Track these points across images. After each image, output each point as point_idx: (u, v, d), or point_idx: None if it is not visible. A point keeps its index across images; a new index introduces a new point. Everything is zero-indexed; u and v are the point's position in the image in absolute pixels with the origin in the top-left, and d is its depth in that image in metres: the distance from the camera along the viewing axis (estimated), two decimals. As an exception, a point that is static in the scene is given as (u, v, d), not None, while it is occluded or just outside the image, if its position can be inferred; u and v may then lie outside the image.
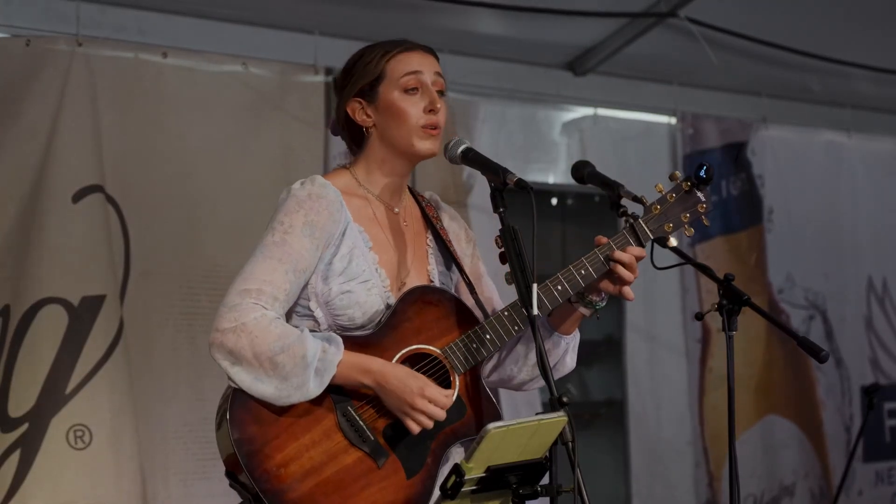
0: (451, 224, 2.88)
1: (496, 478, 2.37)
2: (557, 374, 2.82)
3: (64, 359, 4.11)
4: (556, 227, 6.13)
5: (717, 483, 5.81)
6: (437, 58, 2.77)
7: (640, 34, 5.23)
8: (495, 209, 2.57)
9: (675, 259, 2.82)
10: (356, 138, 2.79)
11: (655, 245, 2.75)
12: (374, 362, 2.58)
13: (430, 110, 2.69)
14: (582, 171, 2.78)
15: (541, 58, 5.43)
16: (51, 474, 4.04)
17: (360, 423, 2.59)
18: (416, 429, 2.56)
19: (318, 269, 2.65)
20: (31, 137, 4.12)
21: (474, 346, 2.67)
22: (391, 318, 2.65)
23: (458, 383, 2.66)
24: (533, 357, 2.79)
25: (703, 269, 2.85)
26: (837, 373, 6.40)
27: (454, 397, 2.64)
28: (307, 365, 2.51)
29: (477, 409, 2.68)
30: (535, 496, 2.42)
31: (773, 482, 6.07)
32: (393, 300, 2.67)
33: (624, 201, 2.68)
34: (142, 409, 4.25)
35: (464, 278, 2.81)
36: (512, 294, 2.60)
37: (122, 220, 4.29)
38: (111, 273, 4.22)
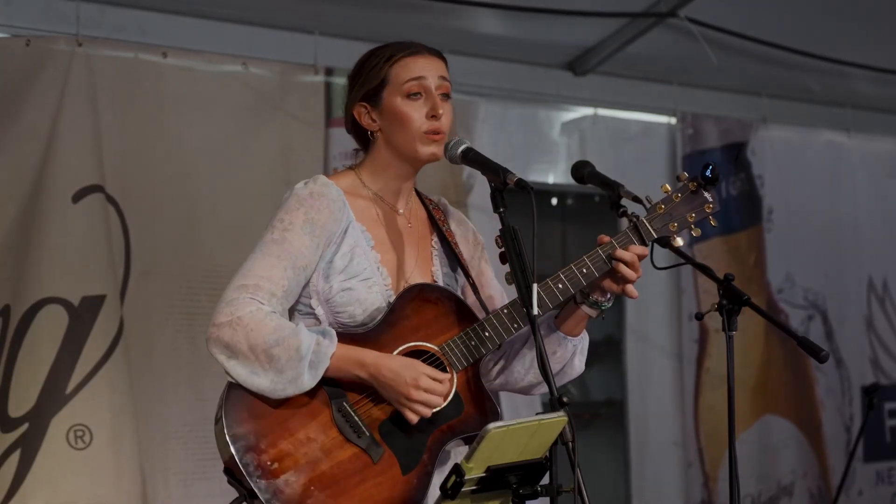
0: (458, 228, 2.88)
1: (496, 478, 2.37)
2: (566, 378, 2.82)
3: (64, 359, 4.11)
4: (556, 227, 6.14)
5: (712, 483, 5.80)
6: (444, 60, 2.76)
7: (639, 34, 5.23)
8: (495, 209, 2.56)
9: (674, 259, 2.82)
10: (363, 141, 2.80)
11: (655, 245, 2.75)
12: (368, 354, 2.58)
13: (433, 116, 2.69)
14: (582, 170, 2.77)
15: (541, 58, 5.42)
16: (51, 474, 4.04)
17: (356, 418, 2.59)
18: (413, 419, 2.57)
19: (320, 268, 2.65)
20: (31, 137, 4.12)
21: (473, 343, 2.67)
22: (389, 315, 2.65)
23: (455, 380, 2.66)
24: (540, 360, 2.79)
25: (703, 270, 2.84)
26: (838, 373, 6.40)
27: (452, 393, 2.63)
28: (301, 357, 2.52)
29: (475, 406, 2.68)
30: (535, 496, 2.42)
31: (770, 482, 6.06)
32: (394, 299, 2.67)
33: (624, 201, 2.68)
34: (142, 409, 4.25)
35: (469, 280, 2.81)
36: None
37: (122, 220, 4.29)
38: (111, 273, 4.22)
